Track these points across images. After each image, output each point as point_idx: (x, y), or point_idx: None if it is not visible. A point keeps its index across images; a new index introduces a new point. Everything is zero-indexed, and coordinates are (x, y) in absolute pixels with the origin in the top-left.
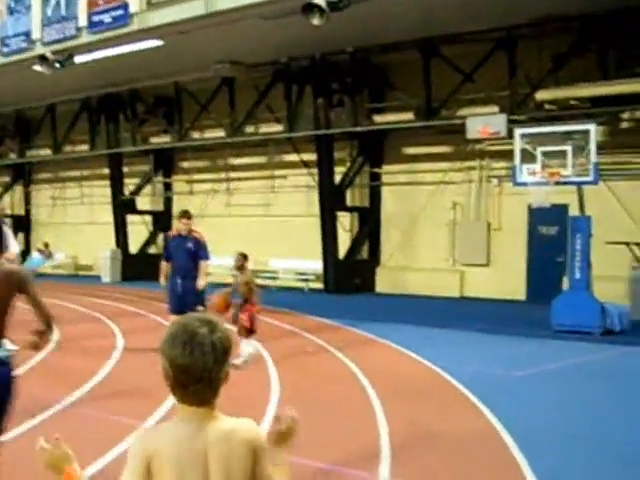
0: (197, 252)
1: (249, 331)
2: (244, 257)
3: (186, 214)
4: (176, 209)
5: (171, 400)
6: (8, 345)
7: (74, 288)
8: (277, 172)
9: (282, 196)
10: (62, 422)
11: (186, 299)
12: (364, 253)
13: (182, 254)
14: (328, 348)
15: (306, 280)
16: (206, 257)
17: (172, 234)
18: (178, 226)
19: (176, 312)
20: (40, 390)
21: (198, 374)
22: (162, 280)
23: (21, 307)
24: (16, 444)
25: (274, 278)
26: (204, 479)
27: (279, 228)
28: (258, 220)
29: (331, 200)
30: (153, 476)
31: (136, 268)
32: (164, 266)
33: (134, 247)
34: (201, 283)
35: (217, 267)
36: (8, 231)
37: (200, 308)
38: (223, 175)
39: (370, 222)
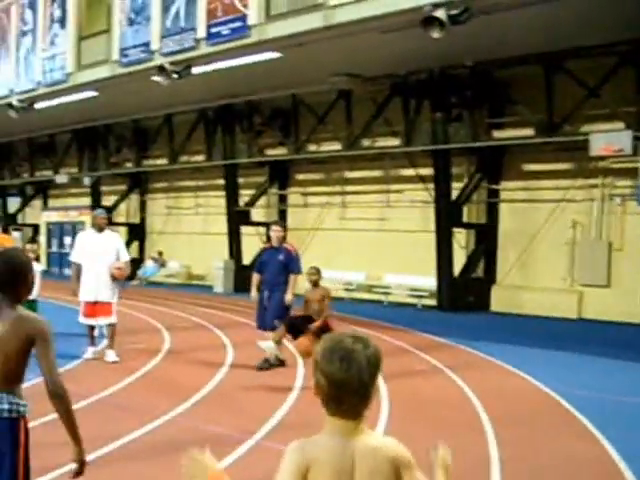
0: (288, 264)
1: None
2: (318, 272)
3: (278, 222)
4: (291, 221)
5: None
6: (12, 399)
7: (186, 297)
8: (393, 186)
9: (397, 211)
10: (164, 435)
11: (268, 315)
12: (480, 271)
13: (272, 266)
14: (439, 367)
15: (419, 296)
16: (297, 270)
17: (267, 246)
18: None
19: (261, 328)
20: (147, 400)
21: (354, 388)
22: (253, 293)
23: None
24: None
25: (387, 294)
26: None
27: (393, 243)
28: (372, 234)
29: (447, 216)
30: None
31: (249, 279)
32: (255, 278)
33: (247, 258)
34: (289, 297)
35: (330, 282)
36: (119, 239)
37: (276, 322)
38: (338, 188)
39: (487, 239)
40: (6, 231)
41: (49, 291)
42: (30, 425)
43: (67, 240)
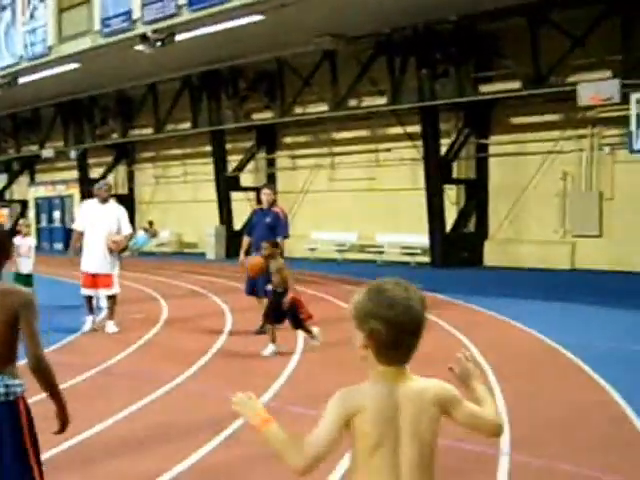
0: (275, 227)
1: (308, 317)
2: (273, 245)
3: (268, 185)
4: (280, 185)
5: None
6: (7, 380)
7: (179, 265)
8: (381, 145)
9: (387, 170)
10: (176, 399)
11: (257, 280)
12: (471, 226)
13: (260, 229)
14: (438, 322)
15: (412, 254)
16: (283, 234)
17: (257, 208)
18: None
19: (249, 293)
20: (153, 367)
21: (413, 330)
22: (241, 256)
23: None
24: (144, 414)
25: (380, 253)
26: (395, 437)
27: (384, 202)
28: (362, 195)
29: (437, 173)
30: (355, 431)
31: (241, 245)
32: (245, 241)
33: (238, 224)
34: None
35: (322, 243)
36: (121, 211)
37: (269, 287)
38: (326, 150)
39: (477, 194)
40: None
41: (41, 266)
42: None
43: (56, 214)
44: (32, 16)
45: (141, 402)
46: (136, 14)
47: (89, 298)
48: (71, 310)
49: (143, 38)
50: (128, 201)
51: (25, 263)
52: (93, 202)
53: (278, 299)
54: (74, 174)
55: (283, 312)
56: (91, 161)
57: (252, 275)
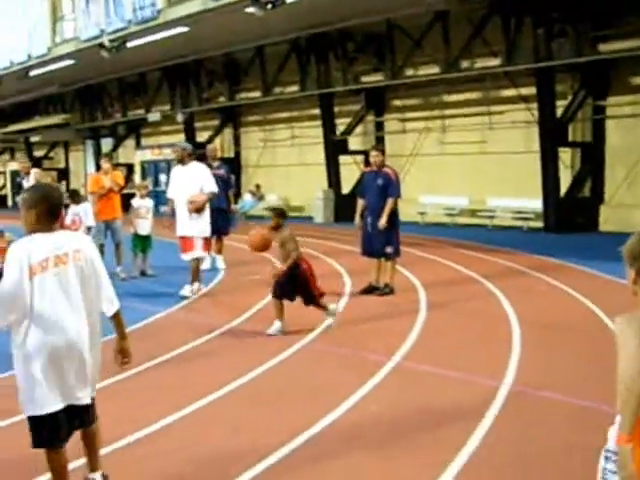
0: (387, 188)
1: (320, 295)
2: (279, 215)
3: (376, 147)
4: (389, 148)
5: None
6: None
7: None
8: (493, 108)
9: (499, 133)
10: (303, 359)
11: (374, 240)
12: (586, 190)
13: (373, 191)
14: (561, 287)
15: (525, 219)
16: (394, 194)
17: (367, 169)
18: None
19: (366, 254)
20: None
21: None
22: (357, 218)
23: None
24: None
25: (491, 217)
26: None
27: (496, 166)
28: (474, 158)
29: (552, 136)
30: None
31: (349, 208)
32: (359, 204)
33: (346, 187)
34: (382, 222)
35: (432, 207)
36: (202, 171)
37: (389, 250)
38: (437, 112)
39: (593, 158)
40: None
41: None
42: None
43: (162, 178)
44: None
45: (271, 362)
46: None
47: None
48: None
49: (254, 0)
50: (234, 164)
51: (144, 225)
52: (177, 167)
53: (289, 273)
54: (180, 138)
55: (293, 287)
56: (197, 124)
57: (253, 250)
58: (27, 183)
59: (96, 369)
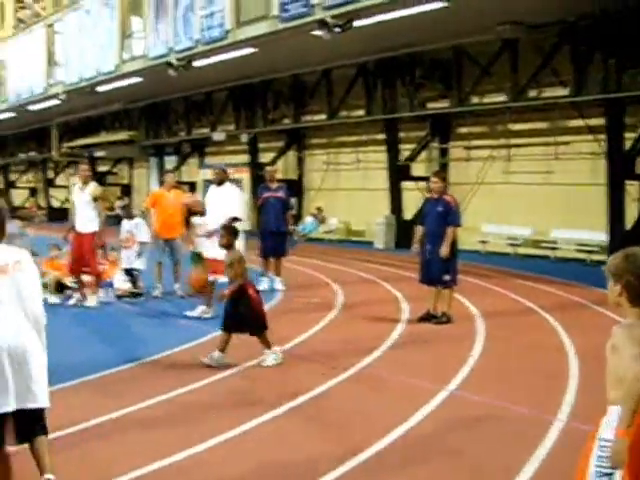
0: (446, 216)
1: (263, 327)
2: (229, 232)
3: (436, 173)
4: (452, 176)
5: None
6: None
7: (347, 253)
8: (560, 138)
9: (565, 163)
10: (359, 383)
11: (432, 268)
12: None
13: (432, 218)
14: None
15: (589, 252)
16: (454, 222)
17: (429, 197)
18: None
19: (424, 282)
20: (333, 350)
21: None
22: (415, 245)
23: None
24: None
25: (554, 249)
26: None
27: (561, 197)
28: (538, 188)
29: (619, 168)
30: None
31: (410, 235)
32: (418, 230)
33: (408, 214)
34: (444, 250)
35: (494, 236)
36: (234, 193)
37: (447, 278)
38: (502, 141)
39: None
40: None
41: None
42: None
43: None
44: (210, 1)
45: (324, 387)
46: None
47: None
48: None
49: (322, 23)
50: (297, 187)
51: (204, 243)
52: (212, 187)
53: (235, 298)
54: (244, 158)
55: (242, 319)
56: (261, 145)
57: (195, 290)
58: (82, 193)
59: (42, 376)
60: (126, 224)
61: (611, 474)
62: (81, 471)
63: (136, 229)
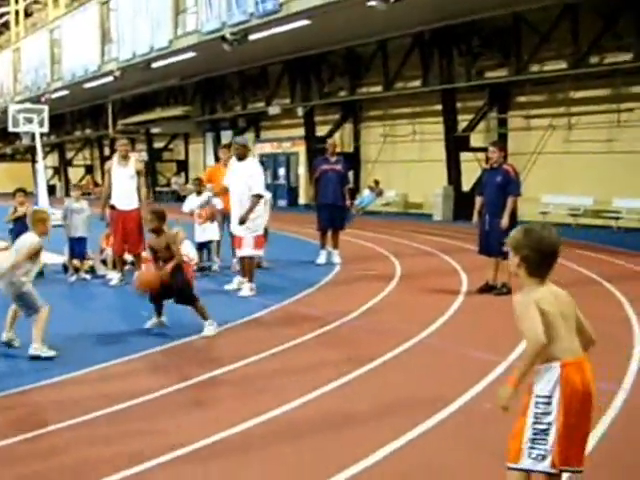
0: (506, 186)
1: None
2: (159, 217)
3: (494, 143)
4: (511, 146)
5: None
6: None
7: (405, 225)
8: (623, 105)
9: (628, 131)
10: (419, 356)
11: (491, 239)
12: None
13: (491, 188)
14: None
15: None
16: (515, 192)
17: (487, 167)
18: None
19: (483, 253)
20: (391, 322)
21: (559, 252)
22: (474, 217)
23: None
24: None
25: (617, 218)
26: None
27: (623, 165)
28: (600, 157)
29: None
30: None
31: (469, 206)
32: (477, 201)
33: (467, 185)
34: (504, 221)
35: (554, 207)
36: (254, 169)
37: (506, 249)
38: (563, 110)
39: None
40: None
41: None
42: None
43: (281, 171)
44: None
45: (384, 357)
46: None
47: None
48: (304, 265)
49: None
50: (354, 159)
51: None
52: (234, 161)
53: (174, 274)
54: (300, 131)
55: (169, 290)
56: (317, 119)
57: (142, 291)
58: (124, 169)
59: None
60: (195, 199)
61: (547, 430)
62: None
63: (212, 201)
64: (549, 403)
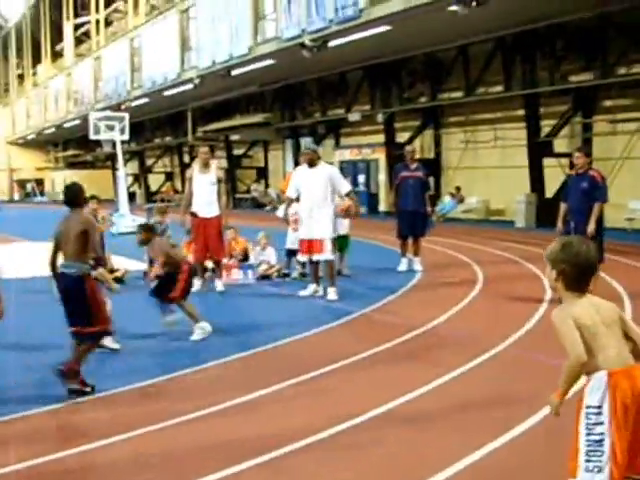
0: (592, 192)
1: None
2: (147, 230)
3: (580, 148)
4: (596, 151)
5: None
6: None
7: (487, 232)
8: None
9: None
10: (500, 364)
11: None
12: None
13: (576, 194)
14: None
15: None
16: (602, 199)
17: (572, 173)
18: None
19: None
20: (475, 331)
21: (596, 266)
22: (559, 223)
23: None
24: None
25: None
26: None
27: None
28: None
29: None
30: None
31: (552, 213)
32: (561, 208)
33: (550, 191)
34: (590, 228)
35: None
36: (333, 171)
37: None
38: None
39: None
40: None
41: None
42: None
43: (361, 178)
44: None
45: (465, 366)
46: None
47: (313, 265)
48: (385, 272)
49: None
50: (434, 166)
51: (342, 224)
52: (302, 167)
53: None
54: (380, 138)
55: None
56: (398, 125)
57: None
58: (205, 176)
59: None
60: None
61: (600, 440)
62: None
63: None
64: (600, 413)
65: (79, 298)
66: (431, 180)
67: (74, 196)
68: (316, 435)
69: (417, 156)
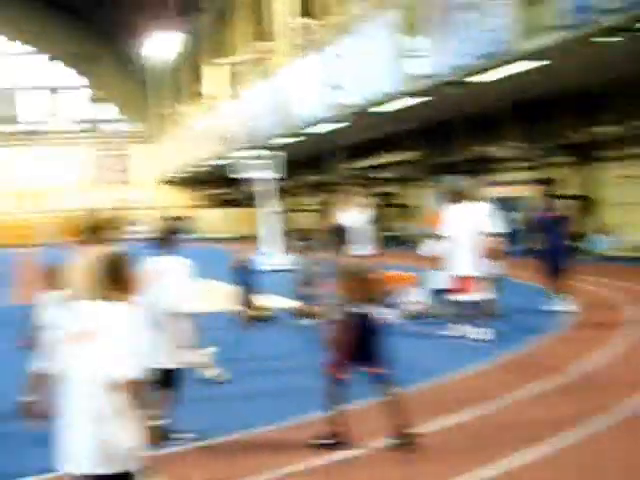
0: None
1: None
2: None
3: None
4: None
5: None
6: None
7: None
8: None
9: None
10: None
11: None
12: None
13: None
14: None
15: None
16: None
17: None
18: None
19: None
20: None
21: None
22: None
23: None
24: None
25: None
26: None
27: None
28: None
29: None
30: None
31: None
32: None
33: None
34: None
35: None
36: (486, 211)
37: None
38: None
39: None
40: None
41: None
42: None
43: (509, 216)
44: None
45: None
46: None
47: (463, 304)
48: (533, 312)
49: None
50: (586, 201)
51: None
52: (451, 205)
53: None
54: (529, 174)
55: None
56: (547, 160)
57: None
58: (360, 216)
59: None
60: (433, 244)
61: None
62: None
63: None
64: None
65: None
66: (580, 217)
67: None
68: None
69: (562, 192)
